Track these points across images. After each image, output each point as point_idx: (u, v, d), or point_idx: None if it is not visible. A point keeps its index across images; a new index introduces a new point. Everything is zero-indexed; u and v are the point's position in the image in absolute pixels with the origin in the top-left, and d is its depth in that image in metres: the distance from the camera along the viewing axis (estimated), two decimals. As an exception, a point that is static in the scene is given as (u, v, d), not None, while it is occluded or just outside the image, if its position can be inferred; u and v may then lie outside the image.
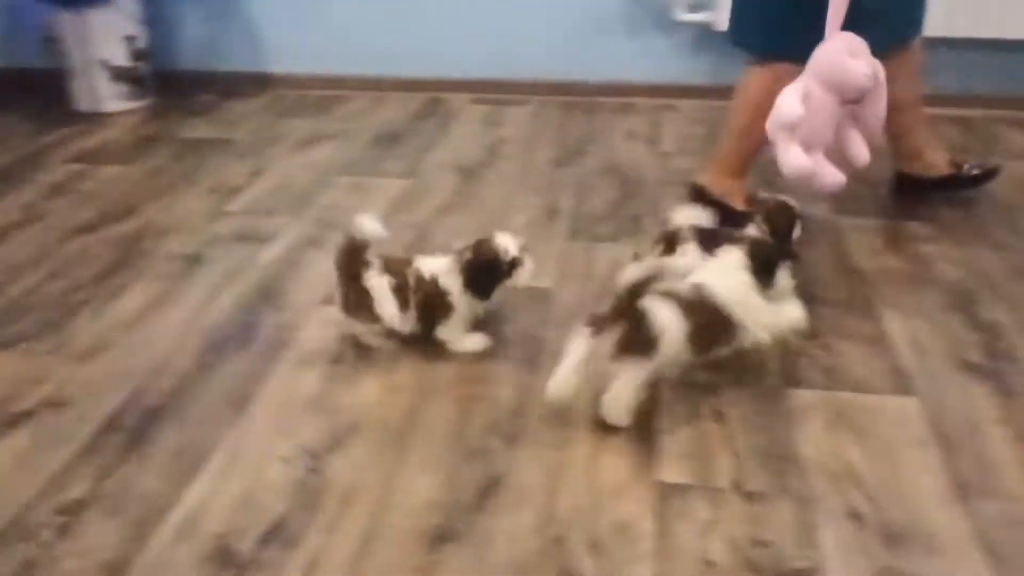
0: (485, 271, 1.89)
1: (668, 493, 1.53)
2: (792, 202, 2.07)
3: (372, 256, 1.89)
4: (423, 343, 1.94)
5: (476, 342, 1.95)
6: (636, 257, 2.05)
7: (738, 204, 2.37)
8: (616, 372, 1.63)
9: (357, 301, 1.89)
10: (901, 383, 1.80)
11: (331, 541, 1.45)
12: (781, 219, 2.03)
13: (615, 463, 1.60)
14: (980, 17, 3.28)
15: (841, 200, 2.54)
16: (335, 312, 1.94)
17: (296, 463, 1.62)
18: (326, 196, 2.76)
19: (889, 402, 1.75)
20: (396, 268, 1.90)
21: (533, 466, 1.60)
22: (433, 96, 3.68)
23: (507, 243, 1.90)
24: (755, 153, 2.39)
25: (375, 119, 3.46)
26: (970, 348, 1.91)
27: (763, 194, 2.16)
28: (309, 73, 3.80)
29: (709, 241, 1.93)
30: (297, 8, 3.72)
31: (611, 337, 1.61)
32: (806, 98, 2.02)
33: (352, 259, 1.89)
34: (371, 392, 1.82)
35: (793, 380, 1.81)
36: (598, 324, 1.63)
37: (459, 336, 1.94)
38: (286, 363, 1.92)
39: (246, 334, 2.03)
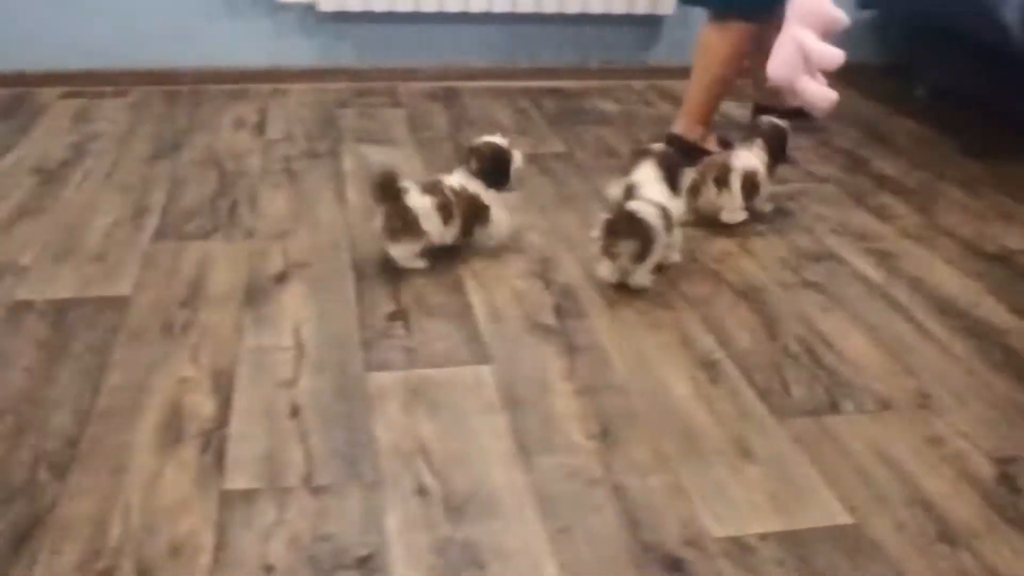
0: (498, 162, 2.21)
1: (233, 502, 1.45)
2: (783, 123, 2.51)
3: (407, 182, 2.11)
4: None
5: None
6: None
7: (712, 147, 2.79)
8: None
9: (401, 224, 2.09)
10: (478, 352, 1.85)
11: None
12: (777, 139, 2.48)
13: (177, 479, 1.49)
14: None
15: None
16: None
17: None
18: None
19: (465, 372, 1.79)
20: (433, 188, 2.14)
21: (85, 497, 1.45)
22: (16, 91, 3.29)
23: (495, 138, 2.25)
24: (720, 101, 2.86)
25: (-57, 121, 3.04)
26: (543, 310, 2.01)
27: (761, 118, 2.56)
28: None
29: None
30: None
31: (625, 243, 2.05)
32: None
33: (390, 187, 2.09)
34: None
35: (374, 364, 1.81)
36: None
37: (501, 231, 2.25)
38: None
39: None
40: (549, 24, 3.57)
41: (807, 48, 2.48)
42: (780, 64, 2.52)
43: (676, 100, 3.51)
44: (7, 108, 3.17)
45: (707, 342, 1.93)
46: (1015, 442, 1.66)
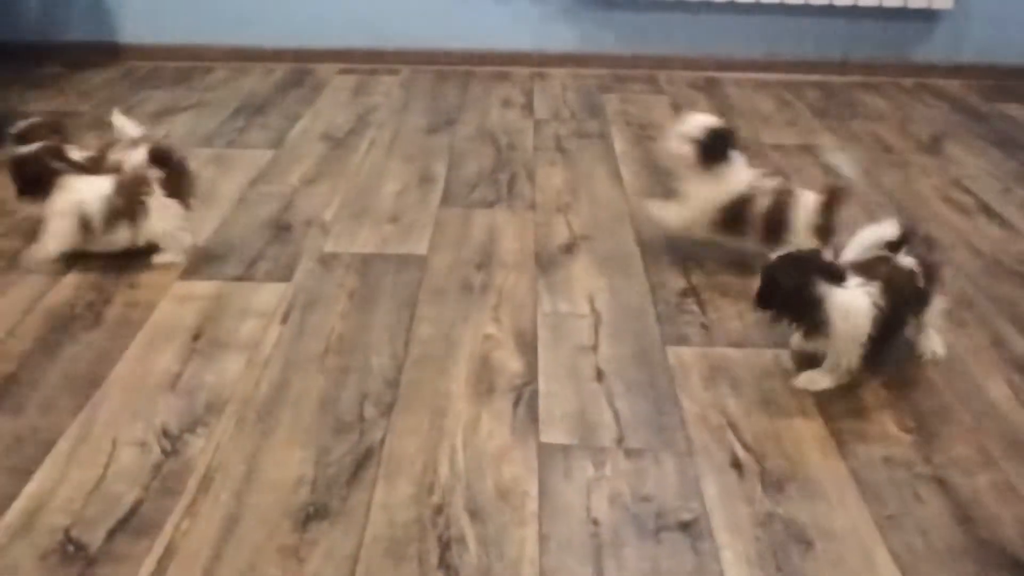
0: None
1: (550, 454, 1.48)
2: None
3: None
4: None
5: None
6: None
7: None
8: None
9: None
10: (773, 337, 1.80)
11: (190, 526, 1.34)
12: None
13: (495, 428, 1.54)
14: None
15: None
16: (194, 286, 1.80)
17: (152, 447, 1.50)
18: (184, 168, 2.59)
19: (764, 355, 1.75)
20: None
21: (410, 435, 1.52)
22: (299, 66, 3.53)
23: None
24: None
25: (237, 89, 3.29)
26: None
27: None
28: (165, 43, 3.58)
29: None
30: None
31: None
32: None
33: None
34: (234, 368, 1.70)
35: (670, 338, 1.80)
36: None
37: None
38: (140, 342, 1.78)
39: (95, 313, 1.87)
40: (813, 16, 3.45)
41: None
42: None
43: (952, 100, 3.32)
44: (292, 81, 3.39)
45: (1020, 344, 1.80)
46: None
